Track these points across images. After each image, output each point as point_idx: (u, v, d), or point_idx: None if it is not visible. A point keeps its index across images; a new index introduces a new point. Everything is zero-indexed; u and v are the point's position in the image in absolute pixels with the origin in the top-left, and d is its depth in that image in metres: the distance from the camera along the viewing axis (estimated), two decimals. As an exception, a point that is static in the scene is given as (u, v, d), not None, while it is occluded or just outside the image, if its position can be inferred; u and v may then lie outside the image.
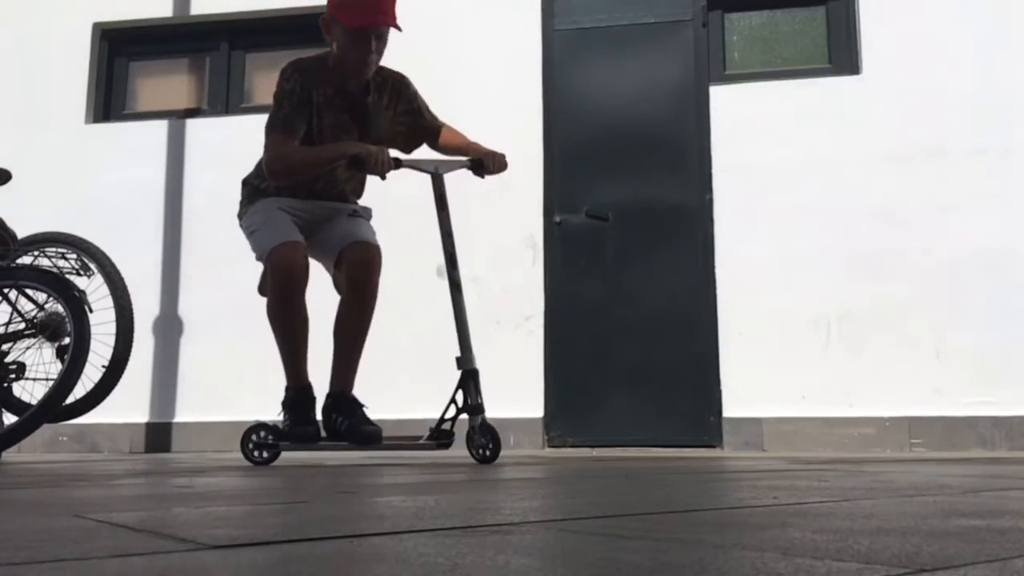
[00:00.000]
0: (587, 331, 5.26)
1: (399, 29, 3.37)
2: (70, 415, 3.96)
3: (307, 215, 3.54)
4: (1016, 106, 5.07)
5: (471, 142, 3.68)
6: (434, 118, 3.72)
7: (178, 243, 5.80)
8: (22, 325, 3.89)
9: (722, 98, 5.37)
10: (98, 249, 4.07)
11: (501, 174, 3.62)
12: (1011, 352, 4.86)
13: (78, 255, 4.00)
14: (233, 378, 5.46)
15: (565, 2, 5.62)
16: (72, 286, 3.75)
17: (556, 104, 5.52)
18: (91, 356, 3.66)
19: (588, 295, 5.30)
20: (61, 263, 3.93)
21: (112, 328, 3.90)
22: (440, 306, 5.12)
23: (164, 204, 5.87)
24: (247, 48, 6.22)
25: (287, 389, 3.52)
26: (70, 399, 3.73)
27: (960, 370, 4.88)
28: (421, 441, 3.43)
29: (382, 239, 3.64)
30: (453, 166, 3.59)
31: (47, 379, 3.76)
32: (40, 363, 3.87)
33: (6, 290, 3.88)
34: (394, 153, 3.51)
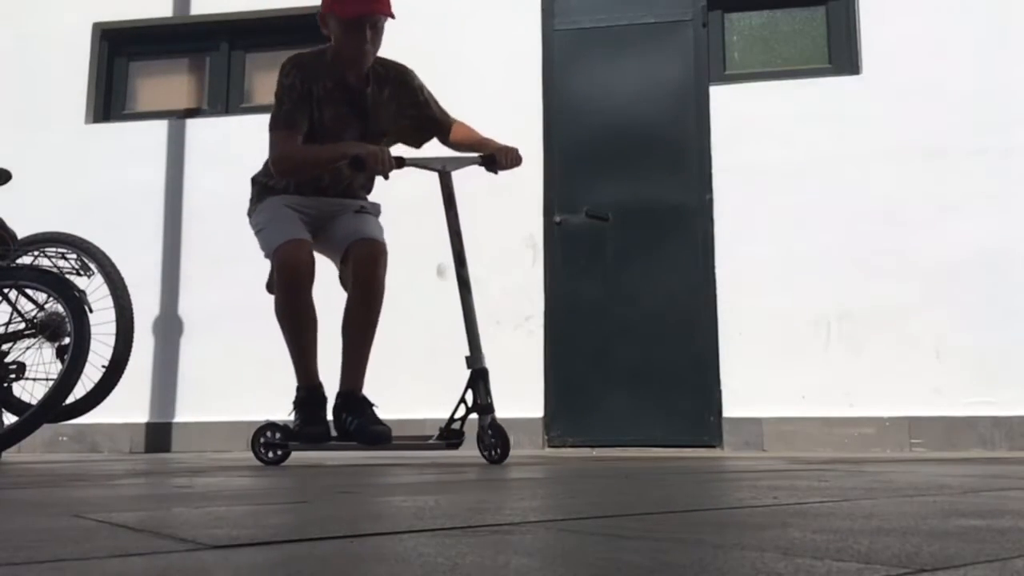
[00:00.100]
0: (587, 331, 5.26)
1: (392, 17, 3.37)
2: (70, 415, 3.96)
3: (314, 212, 3.53)
4: (1016, 106, 5.07)
5: (485, 138, 3.63)
6: (444, 113, 3.67)
7: (178, 243, 5.80)
8: (22, 325, 3.89)
9: (722, 98, 5.37)
10: (98, 249, 4.07)
11: (500, 173, 3.59)
12: (1011, 352, 4.86)
13: (78, 255, 4.00)
14: (233, 378, 5.46)
15: (565, 2, 5.62)
16: (72, 286, 3.75)
17: (556, 104, 5.52)
18: (91, 356, 3.66)
19: (588, 295, 5.30)
20: (61, 263, 3.93)
21: (112, 328, 3.90)
22: (439, 306, 5.14)
23: (164, 204, 5.87)
24: (247, 48, 6.22)
25: (297, 389, 3.51)
26: (70, 399, 3.73)
27: (960, 370, 4.88)
28: (431, 441, 3.41)
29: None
30: (462, 163, 3.55)
31: (47, 379, 3.76)
32: (40, 363, 3.87)
33: (6, 290, 3.88)
34: (397, 152, 3.50)
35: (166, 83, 6.37)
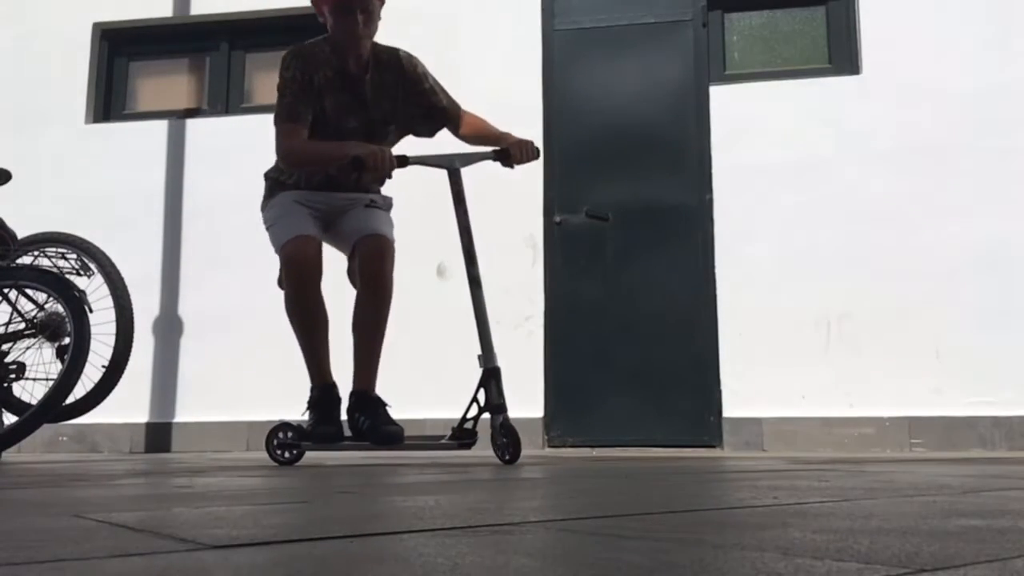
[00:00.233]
0: (587, 331, 5.26)
1: (382, 1, 3.36)
2: (70, 415, 3.96)
3: (324, 207, 3.52)
4: (1016, 106, 5.07)
5: (499, 132, 3.57)
6: (453, 102, 3.62)
7: (178, 243, 5.81)
8: (22, 325, 3.89)
9: (722, 98, 5.37)
10: (98, 249, 4.07)
11: (515, 167, 3.53)
12: (1011, 352, 4.86)
13: (78, 255, 4.00)
14: (233, 378, 5.46)
15: (565, 2, 5.62)
16: (72, 286, 3.75)
17: (556, 104, 5.52)
18: (91, 356, 3.66)
19: (588, 295, 5.30)
20: (61, 263, 3.93)
21: (112, 328, 3.90)
22: (439, 306, 5.14)
23: (164, 204, 5.87)
24: (247, 48, 6.22)
25: (311, 388, 3.49)
26: (70, 399, 3.73)
27: (960, 370, 4.88)
28: (443, 441, 3.39)
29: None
30: (472, 159, 3.49)
31: (47, 379, 3.76)
32: (40, 363, 3.87)
33: (6, 290, 3.88)
34: (404, 148, 3.48)
35: (166, 83, 6.37)
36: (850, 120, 5.21)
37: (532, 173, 5.34)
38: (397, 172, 3.44)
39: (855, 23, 5.37)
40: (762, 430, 5.01)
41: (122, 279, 4.02)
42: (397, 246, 3.55)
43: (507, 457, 3.25)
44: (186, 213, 5.83)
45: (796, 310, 5.07)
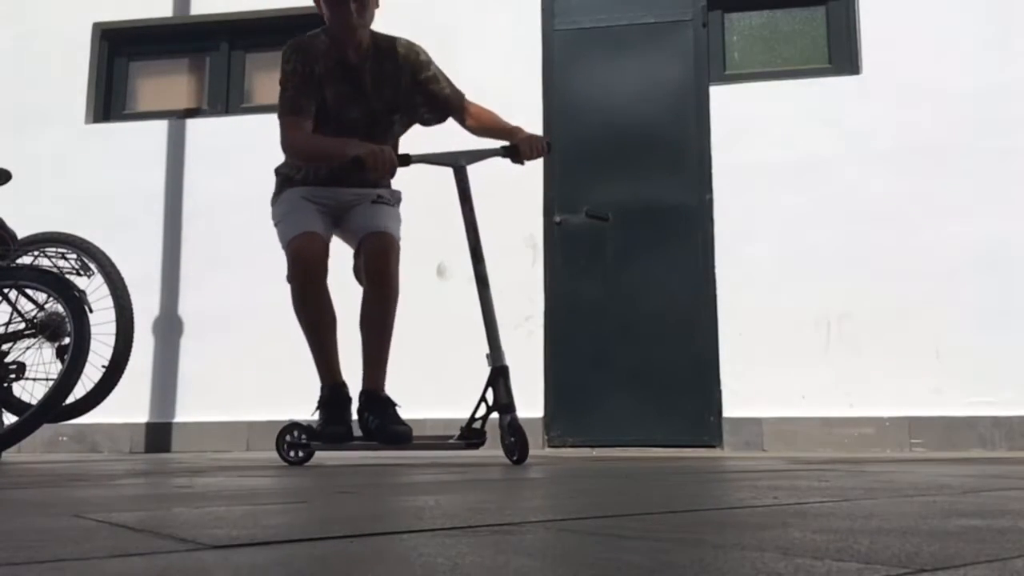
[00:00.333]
0: (587, 331, 5.26)
1: None
2: (70, 415, 3.96)
3: (332, 202, 3.51)
4: (1016, 106, 5.07)
5: (509, 126, 3.54)
6: (455, 90, 3.57)
7: (178, 243, 5.81)
8: (22, 325, 3.89)
9: (722, 98, 5.37)
10: (98, 249, 4.07)
11: (526, 163, 3.51)
12: (1011, 352, 4.86)
13: (78, 255, 4.00)
14: (233, 378, 5.46)
15: (565, 2, 5.62)
16: (72, 286, 3.75)
17: (556, 104, 5.52)
18: (91, 356, 3.66)
19: (588, 295, 5.30)
20: (61, 263, 3.93)
21: (112, 328, 3.90)
22: (439, 306, 5.14)
23: (164, 204, 5.87)
24: (247, 48, 6.22)
25: (321, 388, 3.48)
26: (70, 399, 3.73)
27: (960, 370, 4.88)
28: (451, 441, 3.37)
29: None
30: (479, 156, 3.47)
31: (47, 379, 3.76)
32: (40, 363, 3.87)
33: (6, 290, 3.88)
34: (411, 143, 3.46)
35: (166, 83, 6.37)
36: (850, 120, 5.21)
37: (532, 173, 5.34)
38: (400, 171, 3.43)
39: (855, 23, 5.37)
40: (762, 430, 5.01)
41: (122, 279, 4.02)
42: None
43: (515, 457, 3.24)
44: (186, 213, 5.83)
45: (796, 310, 5.07)
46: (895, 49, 5.25)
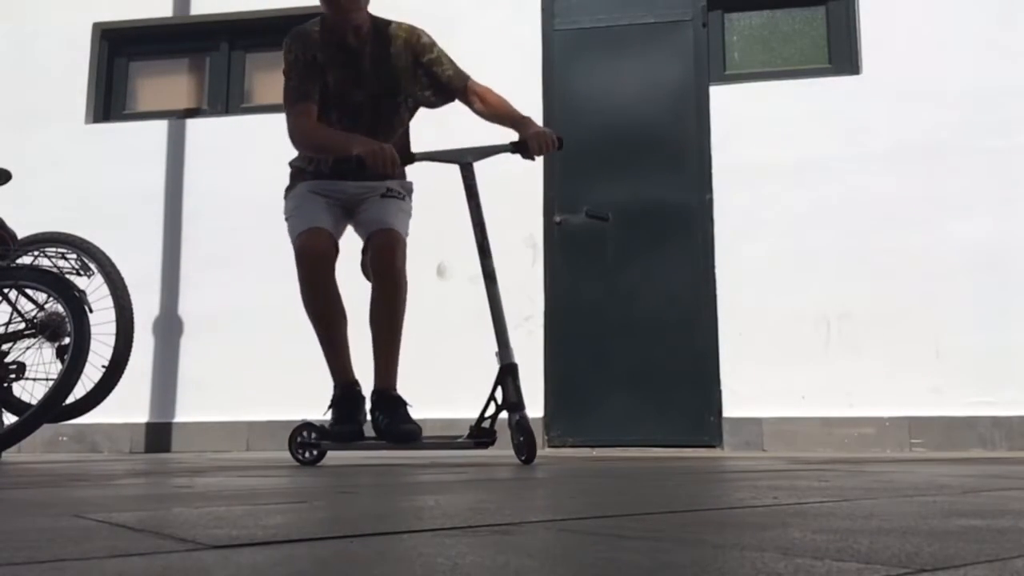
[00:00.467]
0: (587, 331, 5.26)
1: None
2: (70, 415, 3.96)
3: (342, 196, 3.51)
4: (1016, 106, 5.07)
5: (519, 115, 3.51)
6: (458, 72, 3.54)
7: (178, 243, 5.81)
8: (22, 325, 3.90)
9: (722, 98, 5.37)
10: (98, 249, 4.07)
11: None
12: (1011, 352, 4.86)
13: (78, 255, 4.00)
14: (233, 378, 5.46)
15: (565, 2, 5.62)
16: (72, 286, 3.75)
17: (556, 104, 5.52)
18: (91, 356, 3.66)
19: (588, 295, 5.30)
20: (61, 263, 3.93)
21: (112, 328, 3.91)
22: (439, 306, 5.14)
23: (164, 204, 5.87)
24: (247, 48, 6.22)
25: (334, 387, 3.48)
26: (70, 399, 3.73)
27: (960, 370, 4.88)
28: (460, 440, 3.35)
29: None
30: (486, 153, 3.46)
31: (47, 379, 3.76)
32: (40, 363, 3.87)
33: (6, 290, 3.88)
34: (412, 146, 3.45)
35: (166, 83, 6.37)
36: (850, 120, 5.21)
37: (532, 173, 5.35)
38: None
39: (855, 23, 5.37)
40: (762, 430, 5.01)
41: (122, 279, 4.02)
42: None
43: (523, 457, 3.22)
44: (186, 213, 5.83)
45: (796, 310, 5.07)
46: (895, 49, 5.25)
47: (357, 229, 3.57)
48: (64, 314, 3.72)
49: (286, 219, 3.54)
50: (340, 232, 3.54)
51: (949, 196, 5.04)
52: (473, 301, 4.77)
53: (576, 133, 5.47)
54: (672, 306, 5.22)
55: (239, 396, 5.44)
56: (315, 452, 3.49)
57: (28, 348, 3.92)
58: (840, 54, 5.43)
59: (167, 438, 5.59)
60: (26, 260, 4.00)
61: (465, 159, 3.44)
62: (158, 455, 5.25)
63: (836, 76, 5.37)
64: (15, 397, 3.98)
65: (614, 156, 5.40)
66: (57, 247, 4.01)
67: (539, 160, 5.29)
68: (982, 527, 1.26)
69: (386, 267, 3.39)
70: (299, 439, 3.49)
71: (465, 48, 5.59)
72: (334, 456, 4.02)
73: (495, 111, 3.54)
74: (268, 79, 6.11)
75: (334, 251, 3.44)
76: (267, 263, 5.45)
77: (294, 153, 3.61)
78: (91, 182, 5.83)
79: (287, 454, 3.62)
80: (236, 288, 5.54)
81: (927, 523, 1.31)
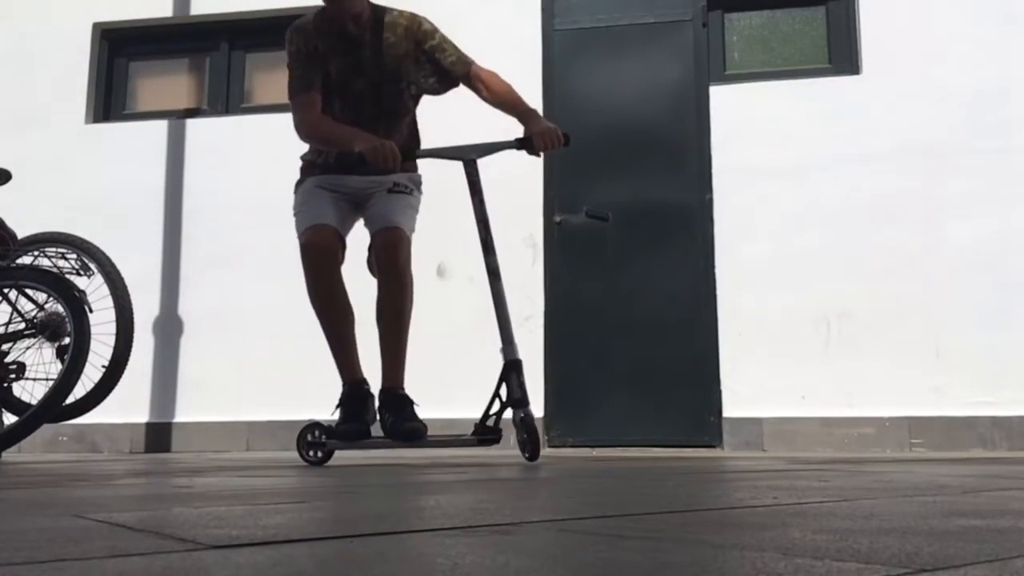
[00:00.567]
0: (587, 331, 5.26)
1: None
2: (70, 415, 3.96)
3: (350, 190, 3.50)
4: (1016, 106, 5.07)
5: (526, 107, 3.51)
6: (462, 59, 3.53)
7: (178, 243, 5.81)
8: (22, 325, 3.90)
9: (722, 98, 5.37)
10: (98, 249, 4.07)
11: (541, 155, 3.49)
12: (1011, 352, 4.86)
13: (78, 255, 4.00)
14: (233, 378, 5.46)
15: (565, 2, 5.62)
16: (72, 286, 3.75)
17: (556, 104, 5.52)
18: (91, 356, 3.66)
19: (588, 295, 5.30)
20: (61, 263, 3.93)
21: (112, 328, 3.91)
22: (439, 306, 5.14)
23: (164, 204, 5.87)
24: (247, 48, 6.22)
25: (342, 385, 3.47)
26: (70, 399, 3.73)
27: (960, 370, 4.88)
28: (466, 437, 3.33)
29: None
30: (491, 150, 3.45)
31: (47, 379, 3.76)
32: (40, 363, 3.87)
33: (6, 290, 3.88)
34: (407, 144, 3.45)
35: (166, 83, 6.37)
36: (850, 120, 5.21)
37: (532, 172, 5.35)
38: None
39: (855, 23, 5.37)
40: (762, 430, 5.01)
41: (122, 279, 4.02)
42: None
43: (527, 454, 3.21)
44: (186, 213, 5.83)
45: (796, 310, 5.07)
46: (895, 49, 5.25)
47: (366, 224, 3.57)
48: (64, 314, 3.72)
49: (294, 214, 3.54)
50: (347, 227, 3.54)
51: (949, 196, 5.04)
52: (473, 301, 4.78)
53: (576, 133, 5.42)
54: (672, 306, 5.22)
55: (239, 396, 5.44)
56: (322, 452, 3.48)
57: (28, 348, 3.92)
58: (840, 54, 5.43)
59: (167, 438, 5.59)
60: (26, 260, 4.00)
61: (468, 156, 3.43)
62: (158, 455, 5.25)
63: (836, 76, 5.37)
64: (15, 397, 3.98)
65: (614, 156, 5.40)
66: (57, 247, 4.01)
67: (539, 160, 5.34)
68: (982, 527, 1.26)
69: (389, 265, 3.39)
70: (307, 439, 3.48)
71: (465, 48, 5.62)
72: (337, 456, 4.01)
73: (500, 100, 3.54)
74: (268, 79, 6.11)
75: (339, 247, 3.44)
76: (267, 263, 5.46)
77: (295, 153, 3.61)
78: (91, 182, 5.83)
79: (287, 454, 3.63)
80: (236, 288, 5.54)
81: (927, 523, 1.31)
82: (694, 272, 5.23)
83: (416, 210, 3.57)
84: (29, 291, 3.88)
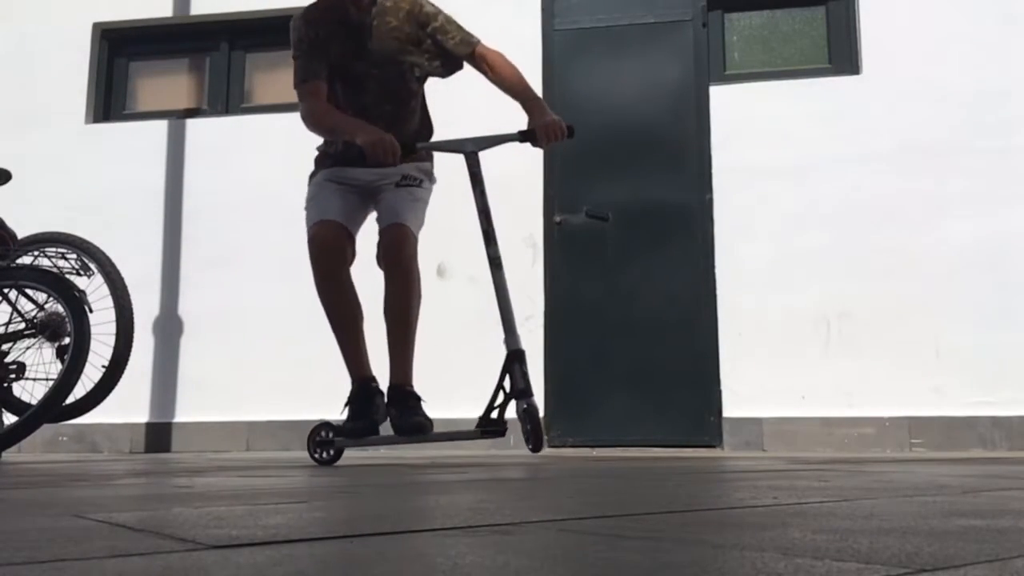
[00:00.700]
0: (587, 331, 5.26)
1: None
2: (70, 415, 3.96)
3: (360, 183, 3.49)
4: (1016, 106, 5.07)
5: (531, 93, 3.49)
6: (466, 39, 3.51)
7: (178, 243, 5.81)
8: (22, 325, 3.90)
9: (722, 98, 5.37)
10: (98, 249, 4.07)
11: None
12: (1011, 352, 4.86)
13: (78, 255, 4.00)
14: (233, 378, 5.46)
15: (565, 2, 5.62)
16: (72, 286, 3.75)
17: (556, 104, 5.48)
18: (91, 356, 3.66)
19: (588, 295, 5.29)
20: (61, 263, 3.93)
21: (112, 328, 3.91)
22: (439, 306, 5.13)
23: (164, 204, 5.87)
24: (247, 48, 6.22)
25: (351, 383, 3.47)
26: (70, 399, 3.73)
27: (960, 370, 4.88)
28: (470, 431, 3.30)
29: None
30: (493, 142, 3.44)
31: (47, 379, 3.76)
32: (40, 363, 3.87)
33: (6, 290, 3.88)
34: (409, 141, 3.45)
35: (166, 83, 6.37)
36: (850, 120, 5.21)
37: (532, 173, 5.35)
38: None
39: (855, 23, 5.37)
40: (762, 430, 5.01)
41: (122, 279, 4.02)
42: None
43: (530, 445, 3.18)
44: (186, 213, 5.83)
45: (796, 310, 5.07)
46: (895, 49, 5.25)
47: (376, 219, 3.56)
48: (64, 314, 3.72)
49: (304, 209, 3.53)
50: (357, 221, 3.52)
51: (949, 196, 5.04)
52: (473, 301, 4.78)
53: (576, 133, 5.47)
54: (672, 306, 5.22)
55: (239, 396, 5.44)
56: (331, 452, 3.46)
57: (28, 348, 3.92)
58: (840, 54, 5.43)
59: (167, 438, 5.59)
60: (26, 260, 4.00)
61: (470, 148, 3.42)
62: (158, 455, 5.25)
63: (836, 76, 5.37)
64: (15, 397, 3.98)
65: (614, 156, 5.40)
66: (57, 247, 4.01)
67: (539, 160, 5.35)
68: (982, 527, 1.26)
69: (395, 262, 3.39)
70: (317, 438, 3.46)
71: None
72: (356, 456, 4.00)
73: (506, 82, 3.52)
74: (268, 79, 6.11)
75: (345, 243, 3.43)
76: (267, 263, 5.46)
77: (295, 153, 3.61)
78: (91, 182, 5.83)
79: (287, 454, 3.63)
80: (236, 288, 5.54)
81: (927, 523, 1.31)
82: (694, 272, 5.23)
83: (425, 202, 3.55)
84: (29, 291, 3.88)
